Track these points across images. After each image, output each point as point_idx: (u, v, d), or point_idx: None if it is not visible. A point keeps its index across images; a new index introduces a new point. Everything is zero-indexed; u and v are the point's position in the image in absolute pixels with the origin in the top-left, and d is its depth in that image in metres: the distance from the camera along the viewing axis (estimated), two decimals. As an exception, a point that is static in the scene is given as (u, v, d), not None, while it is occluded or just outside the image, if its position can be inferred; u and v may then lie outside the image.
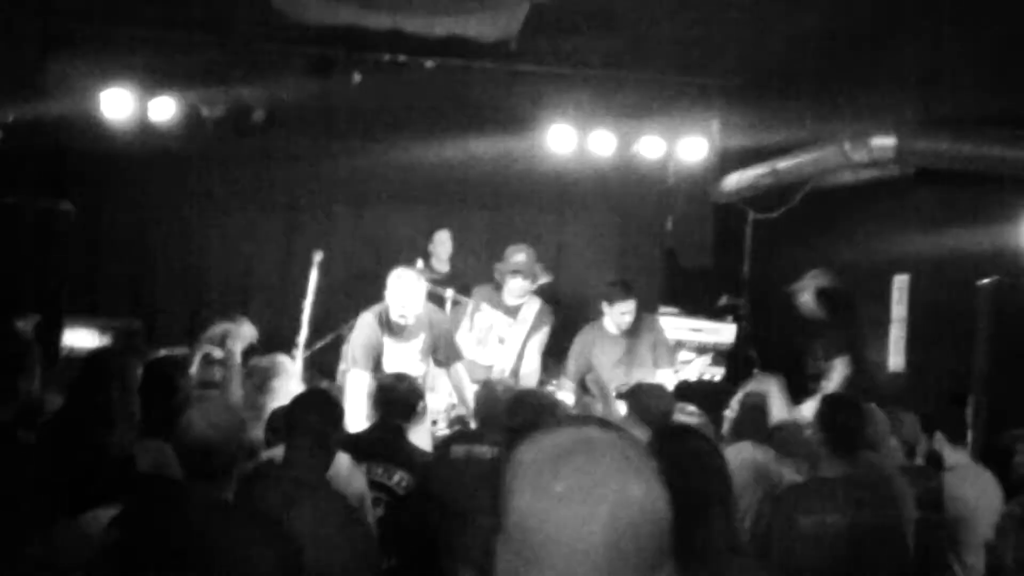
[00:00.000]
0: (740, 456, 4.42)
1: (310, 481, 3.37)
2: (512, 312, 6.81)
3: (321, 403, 3.71)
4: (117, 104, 8.43)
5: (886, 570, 3.95)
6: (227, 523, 2.81)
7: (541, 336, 6.79)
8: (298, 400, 3.79)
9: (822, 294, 7.06)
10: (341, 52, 8.72)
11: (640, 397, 4.77)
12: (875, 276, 7.86)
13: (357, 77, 8.85)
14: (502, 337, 6.81)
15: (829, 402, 4.42)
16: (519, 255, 6.74)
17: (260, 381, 5.06)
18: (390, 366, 5.91)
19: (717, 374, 8.20)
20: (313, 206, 9.44)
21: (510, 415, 4.22)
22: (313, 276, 7.34)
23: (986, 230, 6.80)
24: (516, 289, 6.72)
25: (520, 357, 6.74)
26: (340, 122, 9.04)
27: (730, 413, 5.05)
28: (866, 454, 4.32)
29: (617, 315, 6.36)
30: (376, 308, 6.10)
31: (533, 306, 6.83)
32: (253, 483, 3.33)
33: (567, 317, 7.50)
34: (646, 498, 1.37)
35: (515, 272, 6.70)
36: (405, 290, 5.88)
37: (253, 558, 2.69)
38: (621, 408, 5.22)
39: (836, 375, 6.59)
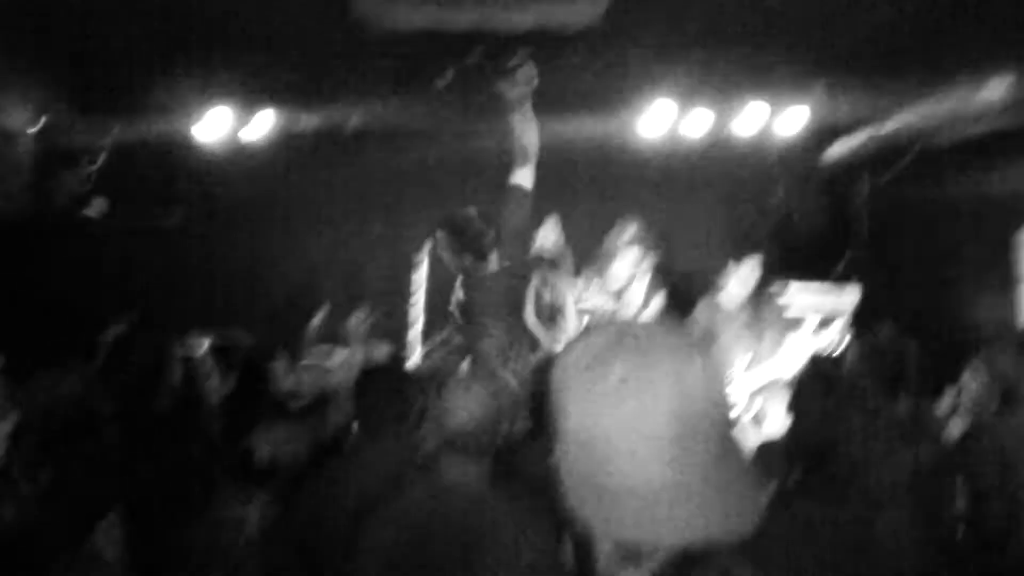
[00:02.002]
0: None
1: None
2: (618, 295, 6.65)
3: None
4: (217, 123, 8.66)
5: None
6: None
7: (651, 315, 6.60)
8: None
9: None
10: (425, 58, 8.71)
11: None
12: (998, 231, 7.53)
13: (443, 81, 8.83)
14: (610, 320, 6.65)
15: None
16: (630, 228, 6.60)
17: None
18: None
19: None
20: (416, 205, 9.46)
21: None
22: (423, 274, 7.33)
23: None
24: (626, 264, 6.54)
25: None
26: (433, 124, 8.99)
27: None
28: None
29: (744, 277, 6.17)
30: None
31: (640, 286, 6.66)
32: None
33: (679, 300, 7.32)
34: (706, 378, 1.31)
35: (629, 243, 6.53)
36: None
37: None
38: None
39: None
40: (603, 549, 1.33)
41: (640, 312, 6.53)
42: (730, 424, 1.33)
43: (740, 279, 6.22)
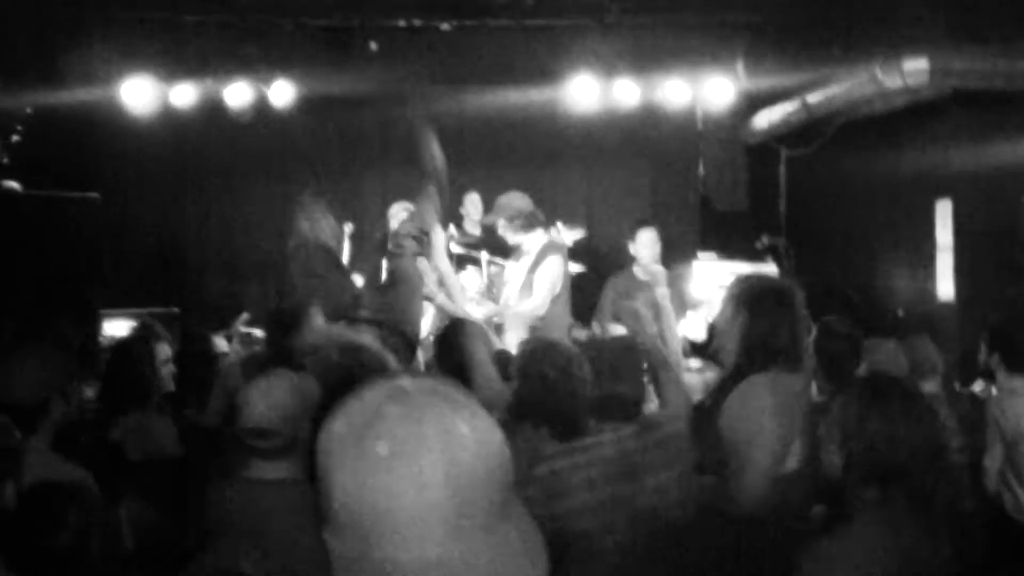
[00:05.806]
0: None
1: None
2: (516, 253, 6.61)
3: None
4: (137, 93, 8.46)
5: None
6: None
7: (548, 268, 6.41)
8: None
9: None
10: (356, 22, 8.63)
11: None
12: (916, 203, 7.68)
13: (374, 46, 8.76)
14: (507, 278, 6.62)
15: (822, 330, 4.36)
16: (501, 200, 6.59)
17: None
18: None
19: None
20: (340, 179, 9.38)
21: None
22: (346, 248, 7.29)
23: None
24: (508, 236, 6.56)
25: (529, 291, 6.45)
26: (361, 93, 8.91)
27: None
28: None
29: (642, 248, 6.32)
30: None
31: (538, 241, 6.53)
32: None
33: (603, 270, 7.37)
34: (478, 436, 1.23)
35: (512, 223, 6.47)
36: None
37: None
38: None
39: None
40: None
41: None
42: (509, 486, 1.26)
43: (642, 247, 6.36)
